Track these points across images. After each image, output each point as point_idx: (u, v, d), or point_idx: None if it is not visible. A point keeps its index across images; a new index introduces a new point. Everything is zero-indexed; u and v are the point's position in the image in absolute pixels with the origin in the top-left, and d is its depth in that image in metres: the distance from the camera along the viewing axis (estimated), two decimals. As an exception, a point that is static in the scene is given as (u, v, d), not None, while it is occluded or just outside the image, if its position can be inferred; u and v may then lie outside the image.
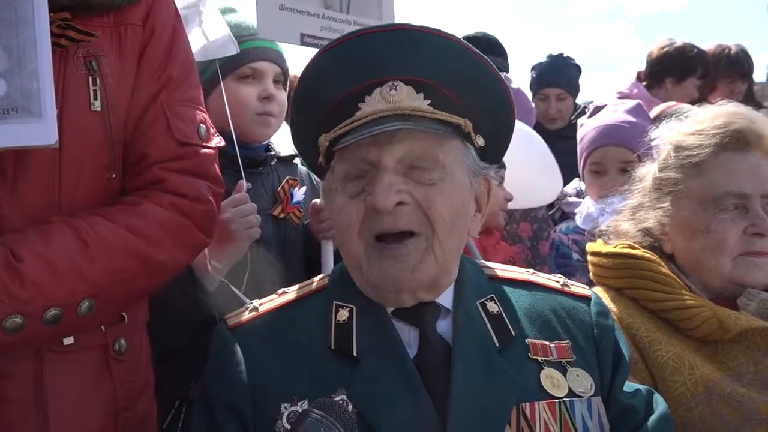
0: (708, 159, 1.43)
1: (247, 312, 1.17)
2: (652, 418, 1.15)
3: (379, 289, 1.11)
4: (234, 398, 1.06)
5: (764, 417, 1.28)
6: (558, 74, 3.67)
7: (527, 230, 2.84)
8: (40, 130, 1.00)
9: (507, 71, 3.54)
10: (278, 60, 1.84)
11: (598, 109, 2.60)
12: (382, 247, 1.08)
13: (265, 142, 1.91)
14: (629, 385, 1.20)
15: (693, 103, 3.33)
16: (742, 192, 1.40)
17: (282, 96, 1.86)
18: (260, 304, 1.18)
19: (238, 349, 1.10)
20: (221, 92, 1.73)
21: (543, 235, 2.80)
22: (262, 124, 1.82)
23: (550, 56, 3.76)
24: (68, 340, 1.16)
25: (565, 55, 3.78)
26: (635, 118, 2.42)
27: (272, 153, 1.90)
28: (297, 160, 1.98)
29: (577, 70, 3.78)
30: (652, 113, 2.68)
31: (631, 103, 2.55)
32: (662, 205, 1.50)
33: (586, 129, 2.54)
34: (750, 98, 3.46)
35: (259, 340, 1.12)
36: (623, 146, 2.32)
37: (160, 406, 1.58)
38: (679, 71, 3.43)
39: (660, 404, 1.19)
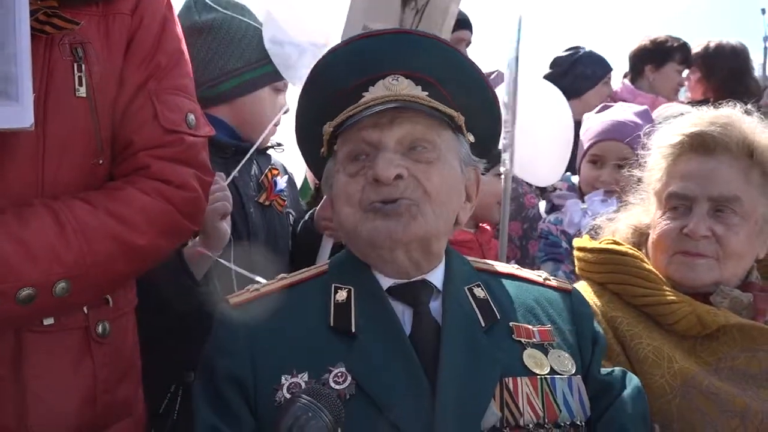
0: (670, 160, 1.48)
1: (248, 292, 1.21)
2: (627, 391, 1.21)
3: (373, 245, 1.16)
4: (235, 369, 1.10)
5: (739, 410, 1.31)
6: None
7: (517, 230, 2.84)
8: (17, 113, 1.02)
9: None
10: None
11: (605, 107, 2.65)
12: (378, 208, 1.14)
13: None
14: (605, 369, 1.25)
15: (677, 87, 3.45)
16: (685, 194, 1.43)
17: None
18: (261, 286, 1.23)
19: (240, 323, 1.14)
20: (262, 96, 1.85)
21: (533, 234, 2.80)
22: (273, 133, 1.93)
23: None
24: (48, 321, 1.17)
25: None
26: (641, 120, 2.46)
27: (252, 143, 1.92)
28: (270, 152, 2.02)
29: None
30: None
31: (639, 107, 2.62)
32: (642, 202, 1.55)
33: (591, 122, 2.60)
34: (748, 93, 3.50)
35: (260, 317, 1.15)
36: (625, 142, 2.36)
37: (155, 391, 1.58)
38: (656, 58, 3.54)
39: (634, 381, 1.25)
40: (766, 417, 1.30)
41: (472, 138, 1.26)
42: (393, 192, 1.13)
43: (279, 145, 1.95)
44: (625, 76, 3.68)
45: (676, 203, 1.44)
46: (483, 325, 1.17)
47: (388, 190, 1.13)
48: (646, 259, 1.49)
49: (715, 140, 1.42)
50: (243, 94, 1.82)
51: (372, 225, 1.14)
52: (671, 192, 1.45)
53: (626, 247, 1.52)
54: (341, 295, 1.18)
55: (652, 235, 1.48)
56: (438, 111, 1.18)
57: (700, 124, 1.45)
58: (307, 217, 1.94)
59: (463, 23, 3.19)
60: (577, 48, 3.65)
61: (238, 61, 1.81)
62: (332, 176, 1.22)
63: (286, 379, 1.07)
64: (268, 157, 2.00)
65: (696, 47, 3.56)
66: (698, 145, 1.44)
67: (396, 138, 1.16)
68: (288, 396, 1.04)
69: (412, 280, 1.20)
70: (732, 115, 1.47)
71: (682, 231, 1.41)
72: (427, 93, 1.18)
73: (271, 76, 1.85)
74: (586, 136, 2.59)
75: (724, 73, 3.51)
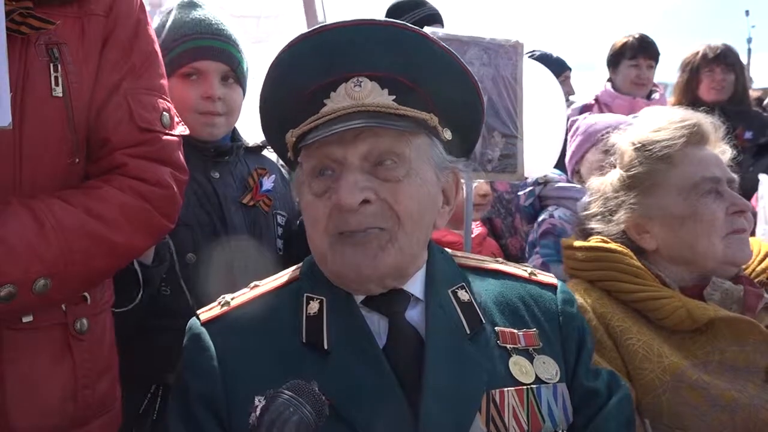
0: (677, 152, 1.49)
1: (219, 306, 1.18)
2: (613, 401, 1.17)
3: (342, 278, 1.12)
4: (207, 391, 1.07)
5: (727, 403, 1.31)
6: None
7: (519, 223, 2.87)
8: (-6, 113, 1.02)
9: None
10: (225, 58, 1.81)
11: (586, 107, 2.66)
12: (346, 237, 1.09)
13: (221, 136, 1.88)
14: (593, 368, 1.22)
15: (636, 80, 3.59)
16: (715, 176, 1.47)
17: (232, 93, 1.83)
18: (232, 298, 1.19)
19: (211, 342, 1.11)
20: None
21: (527, 227, 2.84)
22: (206, 123, 1.79)
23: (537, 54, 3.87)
24: (27, 318, 1.18)
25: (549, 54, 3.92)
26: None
27: (239, 143, 1.90)
28: (265, 151, 1.99)
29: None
30: None
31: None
32: (634, 202, 1.52)
33: (593, 119, 2.64)
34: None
35: (231, 334, 1.12)
36: None
37: (136, 391, 1.58)
38: (612, 61, 3.74)
39: (622, 386, 1.21)
40: (754, 410, 1.31)
41: (449, 135, 1.17)
42: (360, 220, 1.07)
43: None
44: (608, 80, 3.78)
45: (710, 187, 1.46)
46: (468, 331, 1.12)
47: (355, 218, 1.07)
48: (633, 256, 1.49)
49: (709, 132, 1.52)
50: None
51: (341, 259, 1.09)
52: (705, 177, 1.46)
53: (615, 245, 1.53)
54: (313, 307, 1.13)
55: (696, 225, 1.45)
56: (407, 118, 1.10)
57: (695, 119, 1.52)
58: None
59: (434, 18, 3.18)
60: (532, 52, 3.78)
61: None
62: (299, 187, 1.17)
63: (259, 401, 1.02)
64: (261, 156, 1.97)
65: (707, 50, 3.62)
66: (697, 135, 1.50)
67: (361, 154, 1.08)
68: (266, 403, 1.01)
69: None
70: (693, 111, 1.58)
71: (726, 212, 1.45)
72: (394, 97, 1.09)
73: (169, 67, 1.67)
74: (595, 129, 2.56)
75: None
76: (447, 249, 1.29)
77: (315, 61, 1.12)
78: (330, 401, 1.01)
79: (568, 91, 4.20)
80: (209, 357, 1.09)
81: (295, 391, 0.92)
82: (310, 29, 1.14)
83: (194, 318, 1.16)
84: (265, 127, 1.25)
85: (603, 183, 1.61)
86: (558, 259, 2.38)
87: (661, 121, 1.54)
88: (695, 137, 1.50)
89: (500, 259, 1.34)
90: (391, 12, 3.07)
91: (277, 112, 1.19)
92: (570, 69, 4.40)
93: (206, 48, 1.78)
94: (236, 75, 1.83)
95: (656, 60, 3.67)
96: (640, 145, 1.53)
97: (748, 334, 1.38)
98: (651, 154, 1.50)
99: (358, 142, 1.07)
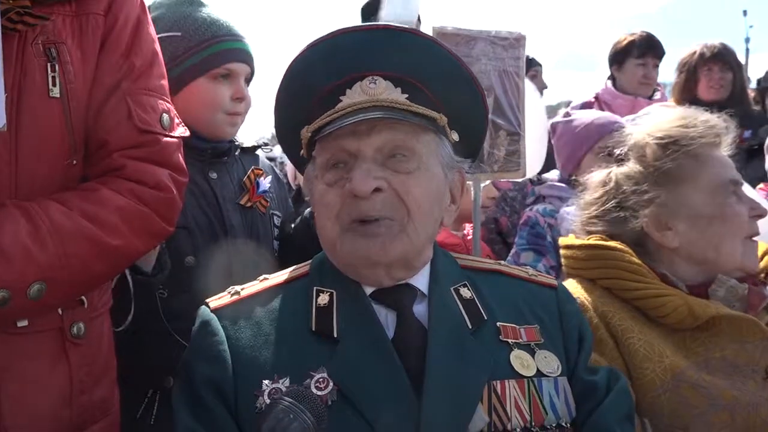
0: (705, 150, 1.47)
1: (228, 296, 1.20)
2: (611, 394, 1.19)
3: (352, 265, 1.15)
4: (215, 374, 1.09)
5: (727, 402, 1.31)
6: None
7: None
8: (-11, 114, 1.00)
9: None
10: (249, 60, 1.85)
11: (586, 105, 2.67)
12: (356, 227, 1.12)
13: (235, 134, 1.92)
14: (591, 366, 1.24)
15: (643, 80, 3.56)
16: (736, 178, 1.47)
17: (248, 94, 1.88)
18: (242, 289, 1.21)
19: (220, 328, 1.13)
20: (194, 89, 1.75)
21: None
22: (230, 123, 1.83)
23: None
24: (22, 323, 1.16)
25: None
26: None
27: (236, 144, 1.91)
28: (259, 152, 2.01)
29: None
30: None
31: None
32: (663, 198, 1.47)
33: (587, 117, 2.64)
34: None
35: (240, 321, 1.15)
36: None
37: (133, 396, 1.57)
38: (617, 59, 3.69)
39: (620, 380, 1.23)
40: (754, 409, 1.31)
41: (456, 137, 1.22)
42: (371, 208, 1.11)
43: (266, 145, 1.93)
44: (609, 78, 3.77)
45: (733, 189, 1.46)
46: (470, 326, 1.15)
47: (366, 205, 1.10)
48: (633, 254, 1.48)
49: (724, 135, 1.52)
50: (174, 93, 1.64)
51: (351, 246, 1.12)
52: (730, 178, 1.47)
53: (614, 243, 1.52)
54: (323, 299, 1.16)
55: (724, 225, 1.44)
56: (418, 115, 1.15)
57: (715, 120, 1.52)
58: (306, 213, 1.88)
59: None
60: None
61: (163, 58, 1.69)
62: (311, 182, 1.21)
63: (266, 385, 1.06)
64: (256, 157, 1.98)
65: (704, 49, 3.60)
66: (719, 137, 1.50)
67: (375, 147, 1.12)
68: (269, 401, 1.03)
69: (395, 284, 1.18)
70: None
71: (749, 214, 1.45)
72: (407, 96, 1.15)
73: (200, 67, 1.76)
74: (590, 130, 2.55)
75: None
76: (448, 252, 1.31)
77: (331, 62, 1.17)
78: (337, 386, 1.05)
79: (541, 87, 4.49)
80: (218, 342, 1.11)
81: (295, 398, 0.93)
82: (327, 33, 1.19)
83: (204, 306, 1.18)
84: (279, 125, 1.29)
85: (614, 177, 1.54)
86: (527, 248, 2.52)
87: (690, 118, 1.51)
88: (719, 138, 1.50)
89: (501, 262, 1.38)
90: (365, 10, 3.07)
91: (292, 111, 1.23)
92: (540, 65, 4.59)
93: (238, 50, 1.83)
94: (251, 77, 1.88)
95: (661, 59, 3.66)
96: (670, 140, 1.48)
97: (749, 332, 1.39)
98: (687, 149, 1.46)
99: (372, 135, 1.12)
